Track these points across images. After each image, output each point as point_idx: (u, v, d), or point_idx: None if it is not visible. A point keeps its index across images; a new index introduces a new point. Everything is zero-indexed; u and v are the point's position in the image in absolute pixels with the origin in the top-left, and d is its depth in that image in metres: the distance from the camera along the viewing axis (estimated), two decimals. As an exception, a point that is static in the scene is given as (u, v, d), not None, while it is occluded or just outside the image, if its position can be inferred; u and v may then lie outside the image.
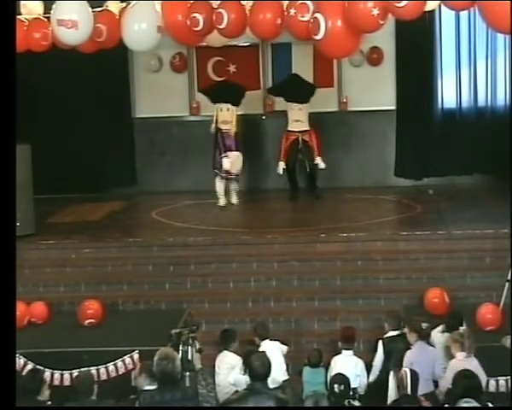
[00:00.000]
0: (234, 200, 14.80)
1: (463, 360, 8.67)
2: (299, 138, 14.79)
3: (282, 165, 14.87)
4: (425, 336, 9.02)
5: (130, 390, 8.47)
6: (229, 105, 14.55)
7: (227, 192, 14.77)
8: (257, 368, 6.62)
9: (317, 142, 14.86)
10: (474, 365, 8.57)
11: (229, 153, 14.43)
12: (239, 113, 14.83)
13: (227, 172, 14.45)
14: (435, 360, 8.95)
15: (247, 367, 6.86)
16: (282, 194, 15.54)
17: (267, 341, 9.57)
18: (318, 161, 14.81)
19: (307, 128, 14.87)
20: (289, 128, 14.94)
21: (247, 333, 10.03)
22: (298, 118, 14.85)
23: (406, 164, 16.06)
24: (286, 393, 9.10)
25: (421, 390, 8.59)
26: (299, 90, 15.01)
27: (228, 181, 14.69)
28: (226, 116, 14.53)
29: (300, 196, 15.25)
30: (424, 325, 9.09)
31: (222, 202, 14.61)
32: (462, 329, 9.14)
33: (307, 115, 14.91)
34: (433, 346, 9.20)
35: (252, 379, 6.65)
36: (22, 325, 10.27)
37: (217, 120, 14.57)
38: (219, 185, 14.62)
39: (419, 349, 8.95)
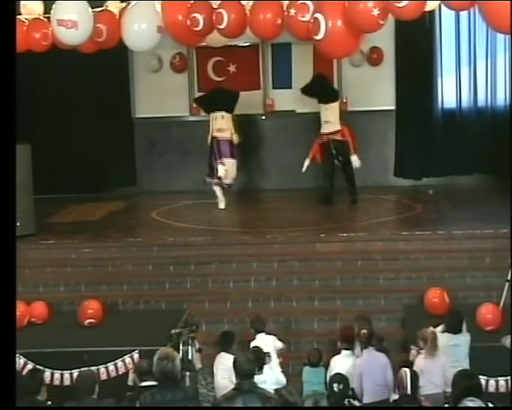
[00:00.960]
0: (223, 205, 14.56)
1: (430, 358, 8.79)
2: (330, 140, 14.39)
3: (306, 162, 14.33)
4: (364, 344, 9.06)
5: (130, 390, 8.47)
6: (223, 113, 14.40)
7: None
8: (241, 366, 6.61)
9: (351, 139, 14.46)
10: (441, 361, 8.74)
11: (224, 159, 14.31)
12: (238, 113, 14.82)
13: (220, 179, 14.31)
14: (386, 366, 8.97)
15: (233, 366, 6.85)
16: (282, 194, 15.56)
17: (263, 334, 9.60)
18: (353, 159, 14.41)
19: (338, 128, 14.45)
20: (321, 130, 14.54)
21: (247, 333, 10.02)
22: (327, 119, 14.47)
23: (406, 164, 16.06)
24: (292, 392, 9.10)
25: (373, 397, 8.69)
26: (327, 90, 14.82)
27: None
28: (221, 124, 14.34)
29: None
30: (363, 332, 9.12)
31: (222, 205, 14.52)
32: (431, 328, 9.18)
33: (337, 114, 14.55)
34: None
35: (237, 378, 6.65)
36: (22, 325, 10.27)
37: (212, 130, 14.37)
38: (218, 191, 14.51)
39: (368, 357, 8.95)
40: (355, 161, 14.41)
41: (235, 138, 14.36)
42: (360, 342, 9.06)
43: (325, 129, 14.53)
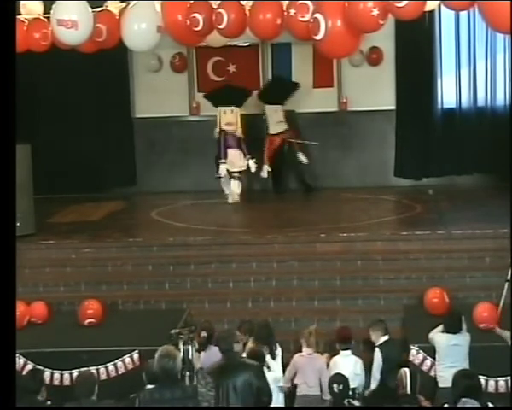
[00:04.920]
0: (232, 199, 14.80)
1: (307, 357, 9.11)
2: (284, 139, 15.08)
3: (266, 167, 15.16)
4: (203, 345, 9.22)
5: (130, 390, 8.46)
6: (232, 107, 14.59)
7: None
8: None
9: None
10: (317, 364, 9.07)
11: (229, 151, 14.48)
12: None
13: (228, 171, 14.55)
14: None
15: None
16: (283, 194, 15.55)
17: (252, 338, 9.61)
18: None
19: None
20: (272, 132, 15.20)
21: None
22: (280, 119, 15.11)
23: (406, 164, 16.05)
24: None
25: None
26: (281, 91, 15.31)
27: (230, 179, 14.74)
28: (230, 118, 14.60)
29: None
30: (203, 333, 9.23)
31: (230, 199, 14.70)
32: (311, 327, 9.49)
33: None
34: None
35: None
36: (22, 325, 10.27)
37: (220, 123, 14.63)
38: (225, 185, 14.72)
39: (210, 352, 9.10)
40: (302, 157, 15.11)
41: (240, 132, 14.65)
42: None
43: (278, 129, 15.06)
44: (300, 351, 9.44)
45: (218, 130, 14.70)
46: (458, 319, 9.25)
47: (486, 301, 10.07)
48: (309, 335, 9.33)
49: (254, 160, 14.77)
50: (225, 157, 14.58)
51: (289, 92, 15.30)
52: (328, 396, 9.10)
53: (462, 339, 9.09)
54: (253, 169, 14.85)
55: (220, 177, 14.70)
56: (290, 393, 9.23)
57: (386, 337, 9.46)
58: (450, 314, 9.55)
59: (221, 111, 14.72)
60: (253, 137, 15.30)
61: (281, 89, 15.24)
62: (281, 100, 15.15)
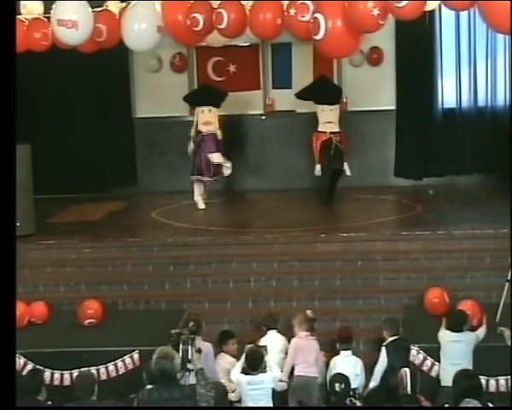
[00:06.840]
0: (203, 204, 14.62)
1: (305, 339, 9.53)
2: (331, 139, 14.27)
3: (318, 167, 14.30)
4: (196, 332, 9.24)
5: (130, 390, 8.46)
6: (210, 107, 14.44)
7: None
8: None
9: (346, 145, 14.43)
10: (314, 345, 9.53)
11: (209, 155, 14.32)
12: (238, 113, 14.85)
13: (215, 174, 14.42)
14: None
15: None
16: (282, 194, 15.55)
17: (274, 331, 9.79)
18: (346, 166, 14.30)
19: (338, 130, 14.37)
20: (321, 129, 14.37)
21: (247, 333, 10.03)
22: (329, 120, 14.34)
23: (406, 164, 16.06)
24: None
25: None
26: (330, 91, 14.79)
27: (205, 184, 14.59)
28: (208, 117, 14.35)
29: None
30: (191, 323, 9.23)
31: (202, 205, 14.54)
32: (308, 311, 9.94)
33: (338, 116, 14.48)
34: None
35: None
36: (22, 325, 10.28)
37: (197, 123, 14.40)
38: (197, 189, 14.53)
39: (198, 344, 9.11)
40: (347, 168, 14.30)
41: (219, 134, 14.37)
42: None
43: (327, 128, 14.36)
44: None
45: (193, 130, 14.36)
46: (460, 319, 9.24)
47: (470, 299, 10.04)
48: (305, 320, 9.70)
49: (229, 163, 14.37)
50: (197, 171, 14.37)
51: (334, 93, 14.79)
52: (320, 378, 9.41)
53: (463, 338, 9.08)
54: (226, 172, 14.44)
55: (192, 180, 14.45)
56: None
57: (394, 337, 9.47)
58: (452, 313, 9.56)
59: (199, 111, 14.43)
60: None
61: (325, 88, 14.71)
62: (326, 100, 14.41)
